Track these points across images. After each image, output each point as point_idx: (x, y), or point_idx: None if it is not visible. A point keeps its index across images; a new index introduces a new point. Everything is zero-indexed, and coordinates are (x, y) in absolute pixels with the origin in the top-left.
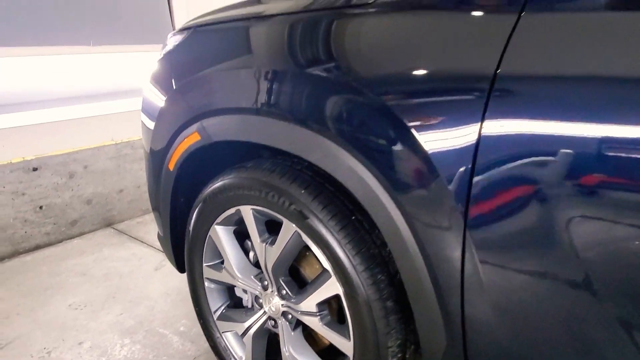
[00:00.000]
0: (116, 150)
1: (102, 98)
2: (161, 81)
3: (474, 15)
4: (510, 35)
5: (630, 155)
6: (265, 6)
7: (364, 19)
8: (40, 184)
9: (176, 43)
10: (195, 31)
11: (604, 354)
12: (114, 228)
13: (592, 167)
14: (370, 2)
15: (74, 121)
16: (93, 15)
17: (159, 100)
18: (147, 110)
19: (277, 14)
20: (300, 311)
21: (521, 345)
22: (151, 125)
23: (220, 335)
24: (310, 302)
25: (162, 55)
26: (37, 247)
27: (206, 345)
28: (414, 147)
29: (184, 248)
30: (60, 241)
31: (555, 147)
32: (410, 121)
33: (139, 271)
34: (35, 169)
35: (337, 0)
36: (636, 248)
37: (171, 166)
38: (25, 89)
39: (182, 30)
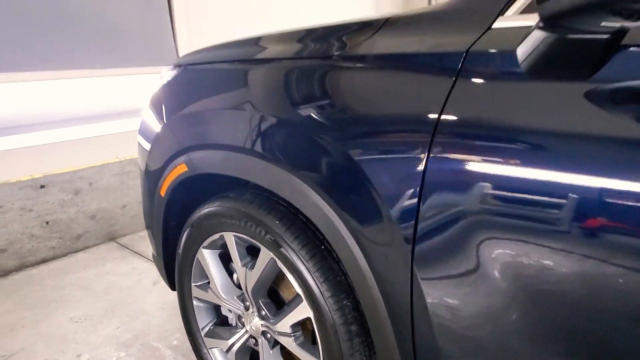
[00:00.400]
0: (120, 167)
1: (108, 118)
2: (157, 110)
3: (421, 74)
4: (451, 89)
5: (553, 191)
6: (248, 50)
7: (329, 70)
8: (47, 200)
9: (169, 79)
10: (186, 69)
11: None
12: (116, 242)
13: (517, 198)
14: (334, 55)
15: (80, 141)
16: (100, 40)
17: (155, 126)
18: (144, 132)
19: (258, 60)
20: (277, 331)
21: None
22: (147, 146)
23: (207, 351)
24: (285, 324)
25: (158, 88)
26: (43, 261)
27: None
28: (368, 186)
29: (175, 267)
30: (65, 255)
31: (488, 180)
32: (364, 163)
33: (138, 285)
34: (42, 187)
35: (307, 51)
36: (574, 274)
37: (162, 193)
38: (34, 111)
39: (175, 66)
